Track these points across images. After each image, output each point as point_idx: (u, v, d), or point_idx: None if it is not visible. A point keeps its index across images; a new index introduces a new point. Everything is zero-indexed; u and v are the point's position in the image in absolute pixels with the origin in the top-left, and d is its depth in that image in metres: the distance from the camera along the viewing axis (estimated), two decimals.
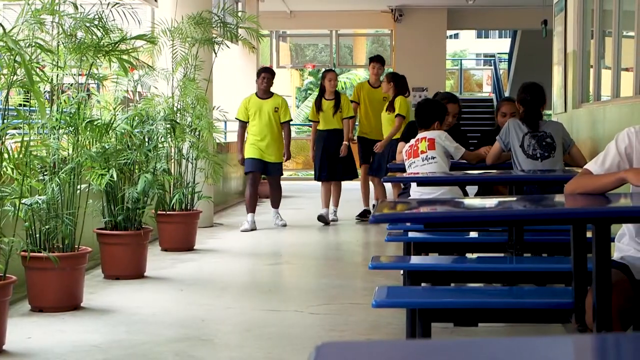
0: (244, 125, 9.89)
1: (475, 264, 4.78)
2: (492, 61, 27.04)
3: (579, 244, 3.29)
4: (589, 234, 3.24)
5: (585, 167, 3.53)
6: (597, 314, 3.06)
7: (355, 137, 10.72)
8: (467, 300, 3.63)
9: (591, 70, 7.71)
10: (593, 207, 3.10)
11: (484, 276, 4.90)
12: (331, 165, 10.25)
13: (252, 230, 9.62)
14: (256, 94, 9.89)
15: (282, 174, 10.24)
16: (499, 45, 38.30)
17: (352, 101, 10.75)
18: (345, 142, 10.25)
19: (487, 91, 29.42)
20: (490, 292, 4.27)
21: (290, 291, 6.82)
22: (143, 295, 6.34)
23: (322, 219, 10.25)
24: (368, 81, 10.95)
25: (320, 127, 10.36)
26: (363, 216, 10.51)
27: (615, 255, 3.61)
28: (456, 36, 44.36)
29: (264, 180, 10.69)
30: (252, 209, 9.74)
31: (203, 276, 7.19)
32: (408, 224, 5.61)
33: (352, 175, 10.36)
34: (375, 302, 3.63)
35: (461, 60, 30.03)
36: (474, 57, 42.87)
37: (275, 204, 10.11)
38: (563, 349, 1.63)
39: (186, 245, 8.38)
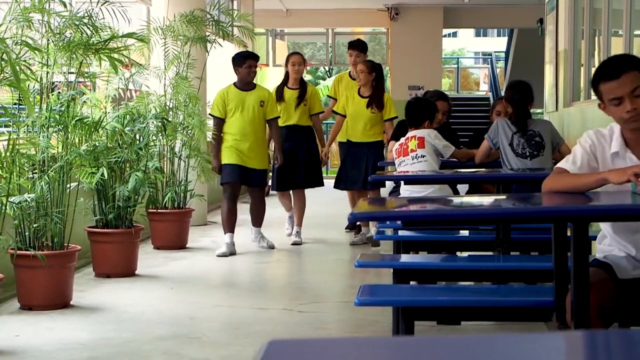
0: (220, 123, 8.01)
1: (460, 262, 4.79)
2: (489, 59, 27.06)
3: (559, 243, 3.29)
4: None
5: (558, 166, 3.57)
6: (575, 312, 3.07)
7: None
8: (448, 298, 3.64)
9: (582, 68, 7.73)
10: (570, 205, 3.11)
11: (473, 274, 4.90)
12: (292, 170, 8.44)
13: (230, 254, 7.91)
14: (235, 84, 8.14)
15: (267, 184, 8.76)
16: (498, 43, 38.31)
17: (329, 97, 9.36)
18: (323, 148, 8.71)
19: (484, 90, 29.43)
20: (473, 290, 4.28)
21: (279, 289, 6.83)
22: (133, 294, 6.34)
23: (297, 243, 8.61)
24: (349, 73, 9.22)
25: (280, 122, 8.33)
26: (352, 228, 9.18)
27: (598, 255, 3.62)
28: (455, 34, 44.34)
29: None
30: (230, 228, 7.99)
31: (194, 274, 7.19)
32: (399, 222, 5.63)
33: (316, 184, 8.67)
34: (357, 300, 3.64)
35: (458, 58, 30.07)
36: (473, 56, 42.87)
37: (258, 222, 8.28)
38: (536, 346, 1.64)
39: (178, 243, 8.39)
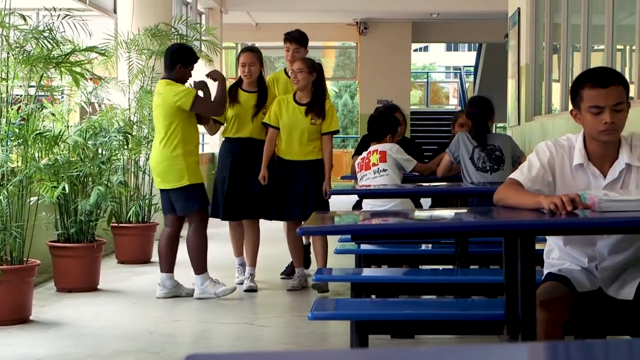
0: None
1: (416, 275, 4.81)
2: (458, 74, 27.26)
3: (509, 256, 3.31)
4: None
5: (511, 176, 3.58)
6: (523, 325, 3.09)
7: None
8: (401, 312, 3.65)
9: (543, 83, 7.81)
10: (517, 220, 3.13)
11: (433, 288, 4.92)
12: (244, 195, 6.82)
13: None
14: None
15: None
16: (468, 58, 38.56)
17: None
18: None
19: (454, 104, 29.60)
20: (427, 304, 4.30)
21: (242, 303, 6.79)
22: (94, 308, 6.31)
23: (251, 289, 6.87)
24: (285, 70, 7.30)
25: (229, 133, 6.83)
26: (290, 273, 7.31)
27: (550, 269, 3.64)
28: (426, 49, 44.58)
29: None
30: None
31: (157, 289, 7.14)
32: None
33: (270, 214, 6.91)
34: (311, 314, 3.65)
35: (428, 73, 30.23)
36: (443, 70, 43.12)
37: (200, 268, 6.60)
38: (487, 358, 1.65)
39: (143, 257, 8.35)
